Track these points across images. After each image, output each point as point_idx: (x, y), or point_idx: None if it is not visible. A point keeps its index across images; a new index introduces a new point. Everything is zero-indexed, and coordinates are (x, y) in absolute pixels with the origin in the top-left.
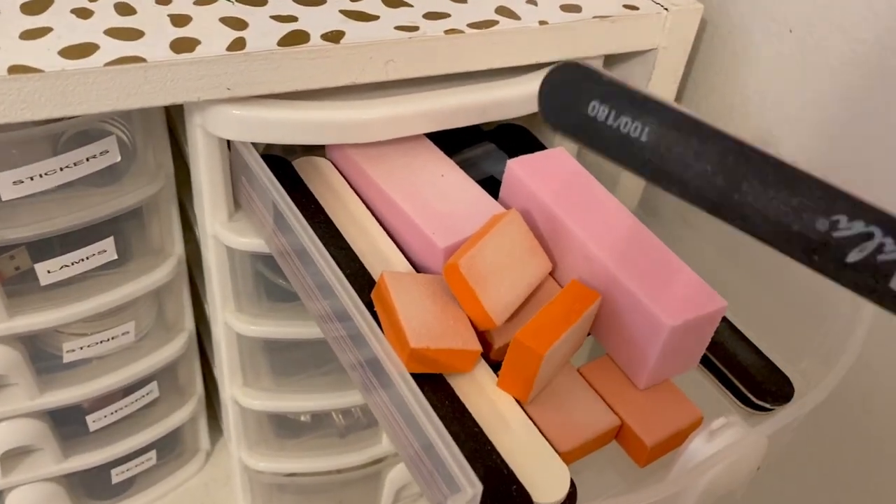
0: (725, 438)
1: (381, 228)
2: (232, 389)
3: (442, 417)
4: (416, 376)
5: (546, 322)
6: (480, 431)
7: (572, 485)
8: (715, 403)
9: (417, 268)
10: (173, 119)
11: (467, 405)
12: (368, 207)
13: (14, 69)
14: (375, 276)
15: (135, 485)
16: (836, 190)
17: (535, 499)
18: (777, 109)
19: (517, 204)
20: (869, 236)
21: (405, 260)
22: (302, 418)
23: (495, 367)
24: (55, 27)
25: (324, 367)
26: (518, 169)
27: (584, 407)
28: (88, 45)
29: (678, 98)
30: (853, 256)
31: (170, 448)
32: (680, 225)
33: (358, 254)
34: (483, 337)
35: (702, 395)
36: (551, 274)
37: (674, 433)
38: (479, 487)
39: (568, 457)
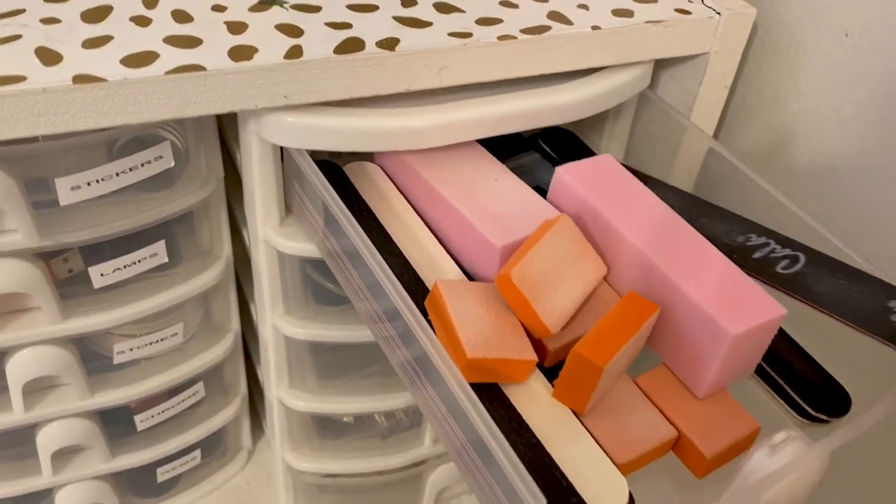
0: (787, 453)
1: (431, 235)
2: (278, 391)
3: (501, 429)
4: (472, 386)
5: (605, 334)
6: (538, 443)
7: (630, 497)
8: (769, 413)
9: (470, 272)
10: (223, 123)
11: (524, 416)
12: (418, 212)
13: (78, 79)
14: (428, 283)
15: (179, 483)
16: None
17: None
18: (831, 114)
19: (567, 210)
20: None
21: (457, 267)
22: (345, 419)
23: (548, 372)
24: (115, 35)
25: (367, 370)
26: (567, 176)
27: (642, 418)
28: (149, 53)
29: (728, 103)
30: None
31: (214, 447)
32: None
33: (410, 260)
34: (537, 343)
35: (755, 404)
36: (605, 278)
37: (732, 444)
38: (543, 502)
39: (625, 468)
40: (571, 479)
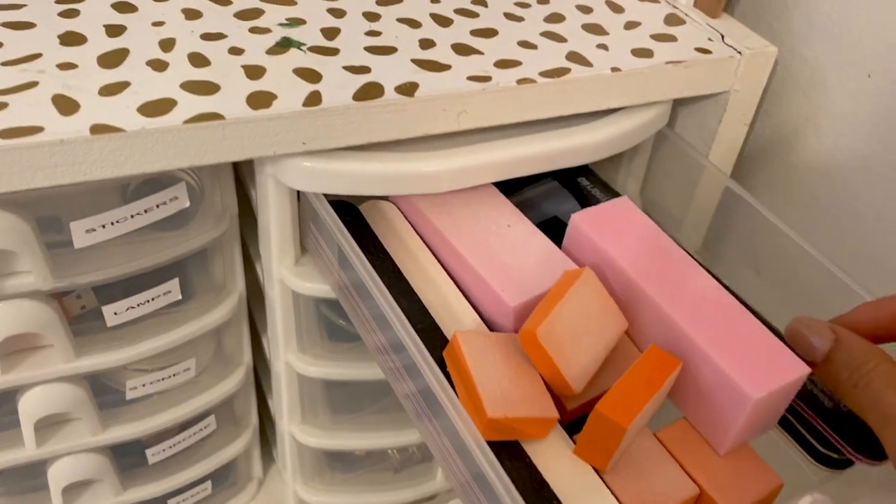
0: None
1: (448, 278)
2: (290, 426)
3: (520, 489)
4: (491, 443)
5: (627, 391)
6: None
7: None
8: (790, 463)
9: (486, 321)
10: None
11: (544, 474)
12: (434, 254)
13: (96, 129)
14: (443, 326)
15: None
16: None
17: None
18: (852, 154)
19: (584, 259)
20: None
21: (474, 313)
22: (356, 452)
23: (568, 427)
24: (132, 81)
25: (379, 405)
26: (583, 224)
27: (663, 474)
28: (166, 100)
29: (746, 138)
30: None
31: (224, 477)
32: (748, 272)
33: (426, 305)
34: (555, 398)
35: (777, 452)
36: (626, 332)
37: (754, 502)
38: None
39: None
40: None
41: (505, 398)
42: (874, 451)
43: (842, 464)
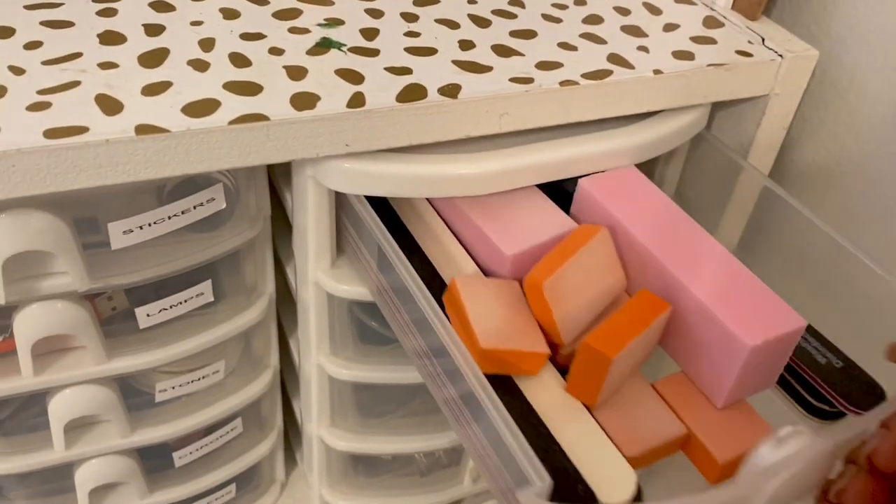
0: (793, 445)
1: (473, 263)
2: (319, 429)
3: (511, 415)
4: (487, 378)
5: (616, 328)
6: (548, 433)
7: (638, 488)
8: (787, 419)
9: (485, 271)
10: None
11: (535, 407)
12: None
13: (141, 129)
14: None
15: None
16: None
17: (600, 499)
18: (890, 157)
19: (589, 221)
20: None
21: (592, 421)
22: (382, 456)
23: (562, 371)
24: (174, 81)
25: (406, 408)
26: (590, 187)
27: (653, 414)
28: (210, 101)
29: (785, 142)
30: None
31: (248, 480)
32: (784, 271)
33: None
34: (551, 341)
35: (773, 410)
36: (626, 290)
37: (747, 452)
38: (549, 481)
39: (634, 462)
40: (579, 467)
41: (498, 333)
42: (865, 404)
43: (834, 416)
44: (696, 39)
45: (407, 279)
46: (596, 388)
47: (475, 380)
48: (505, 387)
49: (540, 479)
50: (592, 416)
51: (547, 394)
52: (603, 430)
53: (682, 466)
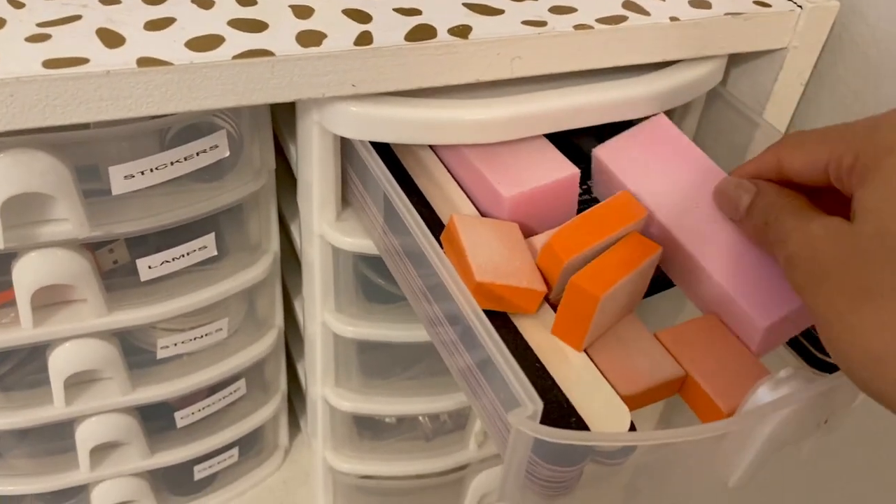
0: (790, 387)
1: (473, 207)
2: (323, 389)
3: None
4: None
5: (604, 268)
6: (543, 367)
7: (632, 425)
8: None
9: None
10: (275, 114)
11: (530, 344)
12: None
13: (143, 62)
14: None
15: (216, 481)
16: None
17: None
18: None
19: (607, 194)
20: None
21: (587, 360)
22: (387, 420)
23: None
24: (178, 17)
25: (412, 370)
26: (604, 158)
27: (649, 355)
28: (214, 36)
29: (802, 98)
30: None
31: (251, 445)
32: None
33: None
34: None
35: (771, 358)
36: None
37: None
38: (540, 404)
39: (629, 401)
40: (573, 403)
41: (494, 268)
42: None
43: (835, 367)
44: None
45: (409, 220)
46: (583, 329)
47: (468, 307)
48: (500, 323)
49: (532, 402)
50: (589, 356)
51: (542, 332)
52: (598, 369)
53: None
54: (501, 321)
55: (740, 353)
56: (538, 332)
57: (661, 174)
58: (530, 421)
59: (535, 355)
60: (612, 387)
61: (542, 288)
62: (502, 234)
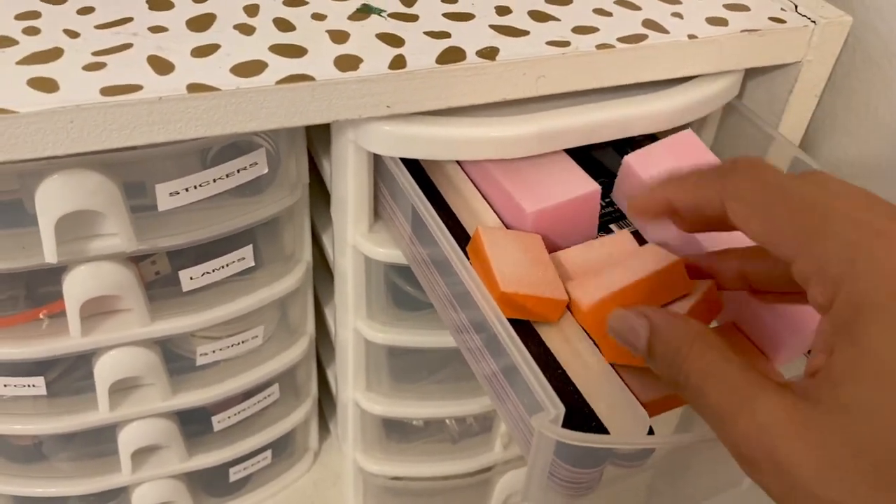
0: None
1: (498, 220)
2: (355, 393)
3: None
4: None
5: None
6: (564, 373)
7: (650, 430)
8: None
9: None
10: (309, 129)
11: (552, 350)
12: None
13: (193, 87)
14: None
15: (249, 483)
16: None
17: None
18: None
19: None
20: None
21: (608, 366)
22: (414, 422)
23: None
24: (222, 44)
25: (440, 374)
26: (635, 164)
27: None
28: (257, 62)
29: (817, 109)
30: None
31: (283, 447)
32: None
33: None
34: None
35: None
36: None
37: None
38: (562, 408)
39: (649, 407)
40: (594, 408)
41: (518, 279)
42: None
43: None
44: (730, 7)
45: (436, 231)
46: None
47: (493, 316)
48: (524, 331)
49: (554, 407)
50: (611, 364)
51: (565, 340)
52: (619, 376)
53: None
54: (525, 329)
55: (759, 360)
56: (560, 340)
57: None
58: (552, 424)
59: (557, 362)
60: (633, 392)
61: (564, 297)
62: (526, 245)
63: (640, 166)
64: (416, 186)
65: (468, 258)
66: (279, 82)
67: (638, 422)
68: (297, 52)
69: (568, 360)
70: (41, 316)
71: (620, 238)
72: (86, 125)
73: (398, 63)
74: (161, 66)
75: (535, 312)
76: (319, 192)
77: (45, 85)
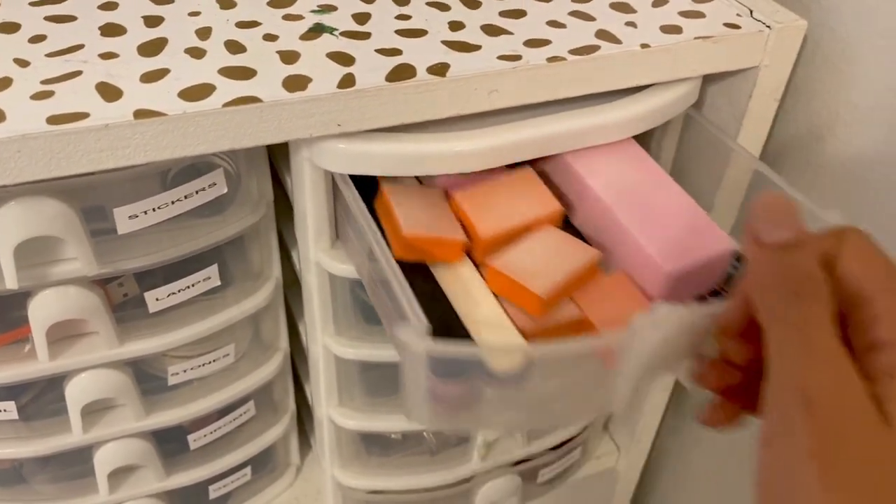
0: (664, 314)
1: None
2: (328, 409)
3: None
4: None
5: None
6: (448, 304)
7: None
8: None
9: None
10: (272, 147)
11: (442, 282)
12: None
13: (140, 113)
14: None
15: (230, 500)
16: None
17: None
18: (885, 126)
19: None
20: None
21: (496, 303)
22: (392, 436)
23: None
24: (172, 68)
25: None
26: (574, 162)
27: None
28: (205, 85)
29: (779, 112)
30: None
31: (263, 463)
32: None
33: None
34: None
35: None
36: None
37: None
38: (425, 321)
39: (527, 334)
40: (469, 328)
41: (418, 223)
42: None
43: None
44: (685, 14)
45: (361, 222)
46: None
47: (381, 252)
48: (418, 270)
49: (418, 320)
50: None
51: (457, 278)
52: (503, 308)
53: None
54: (420, 268)
55: (641, 302)
56: (453, 278)
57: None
58: (415, 335)
59: (442, 292)
60: (512, 320)
61: (461, 237)
62: (432, 200)
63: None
64: (360, 200)
65: (376, 217)
66: (226, 105)
67: (512, 342)
68: (246, 73)
69: (456, 293)
70: (11, 341)
71: (522, 174)
72: (33, 154)
73: (347, 82)
74: (109, 92)
75: (435, 254)
76: (287, 207)
77: None
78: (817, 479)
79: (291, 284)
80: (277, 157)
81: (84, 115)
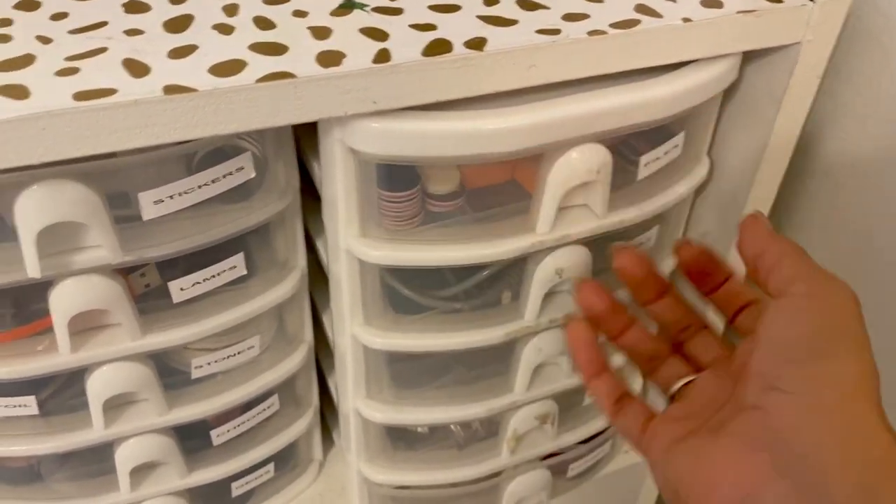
0: None
1: None
2: (355, 401)
3: None
4: None
5: None
6: None
7: None
8: None
9: None
10: (298, 134)
11: None
12: None
13: (169, 89)
14: None
15: (253, 497)
16: None
17: None
18: None
19: None
20: None
21: None
22: (419, 430)
23: None
24: (200, 44)
25: (441, 379)
26: None
27: None
28: (236, 61)
29: (820, 90)
30: None
31: (286, 460)
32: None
33: None
34: None
35: None
36: None
37: None
38: None
39: None
40: None
41: None
42: None
43: None
44: None
45: None
46: None
47: None
48: None
49: None
50: None
51: None
52: None
53: None
54: None
55: None
56: None
57: None
58: None
59: None
60: None
61: None
62: None
63: None
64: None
65: None
66: (259, 80)
67: None
68: (277, 49)
69: None
70: (30, 334)
71: None
72: (59, 132)
73: (382, 57)
74: (136, 68)
75: None
76: (311, 196)
77: (16, 92)
78: None
79: (315, 278)
80: (303, 144)
81: (112, 91)
